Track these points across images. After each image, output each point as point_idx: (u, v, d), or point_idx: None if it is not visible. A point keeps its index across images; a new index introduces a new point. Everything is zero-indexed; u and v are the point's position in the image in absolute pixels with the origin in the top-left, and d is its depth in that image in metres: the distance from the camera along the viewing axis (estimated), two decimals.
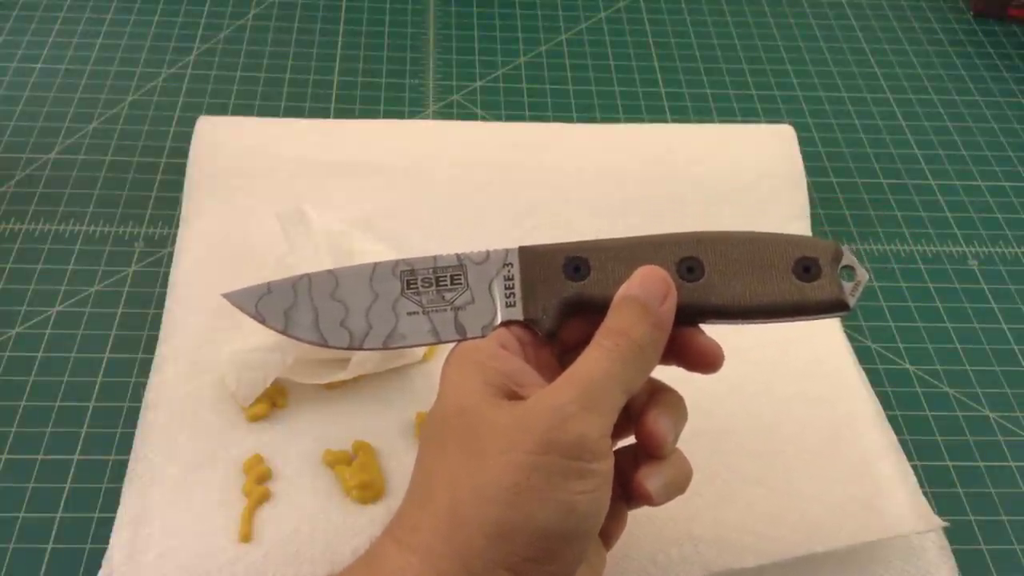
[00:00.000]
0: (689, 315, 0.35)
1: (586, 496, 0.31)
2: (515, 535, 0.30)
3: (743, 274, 0.35)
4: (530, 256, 0.37)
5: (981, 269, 0.59)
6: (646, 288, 0.34)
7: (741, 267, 0.35)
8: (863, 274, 0.35)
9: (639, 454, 0.36)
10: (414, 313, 0.37)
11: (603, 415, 0.32)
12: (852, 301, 0.35)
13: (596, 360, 0.33)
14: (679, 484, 0.36)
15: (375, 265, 0.38)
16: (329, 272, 0.38)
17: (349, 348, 0.37)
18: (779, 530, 0.42)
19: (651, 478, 0.34)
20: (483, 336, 0.36)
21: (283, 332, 0.38)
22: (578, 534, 0.31)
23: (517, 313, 0.37)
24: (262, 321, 0.38)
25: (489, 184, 0.57)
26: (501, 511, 0.30)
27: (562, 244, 0.37)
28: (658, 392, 0.36)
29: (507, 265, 0.37)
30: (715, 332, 0.37)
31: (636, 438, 0.35)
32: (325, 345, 0.37)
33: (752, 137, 0.62)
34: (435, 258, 0.38)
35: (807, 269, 0.35)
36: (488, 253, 0.37)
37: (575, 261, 0.36)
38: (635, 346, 0.34)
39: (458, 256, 0.38)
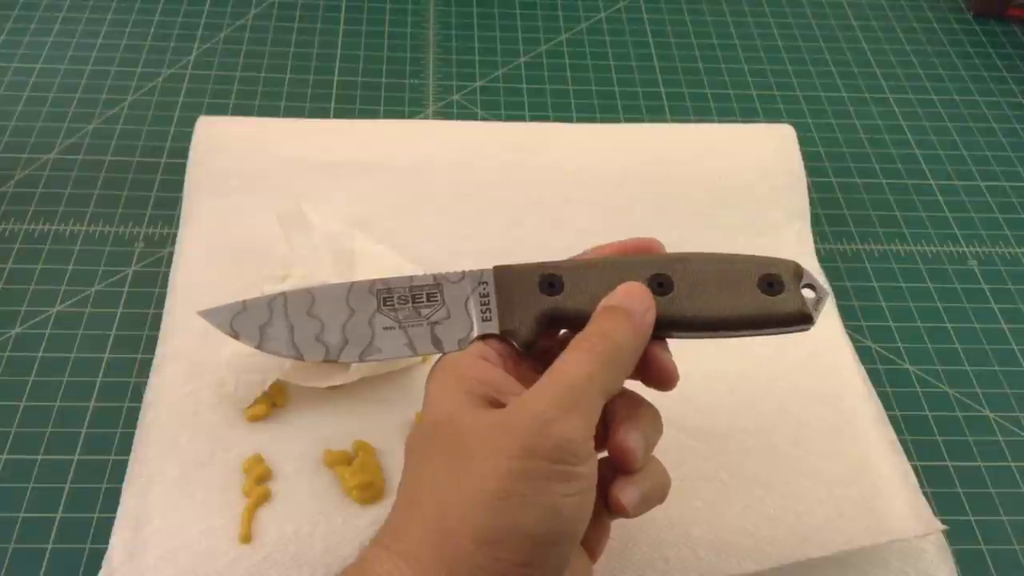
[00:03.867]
0: (659, 327, 0.36)
1: (571, 499, 0.31)
2: (502, 540, 0.30)
3: (711, 288, 0.37)
4: (505, 274, 0.38)
5: (981, 269, 0.59)
6: (629, 300, 0.35)
7: (709, 282, 0.37)
8: (824, 291, 0.37)
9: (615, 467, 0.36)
10: (390, 328, 0.38)
11: (584, 417, 0.32)
12: (815, 315, 0.37)
13: (575, 362, 0.33)
14: (656, 496, 0.36)
15: (351, 284, 0.38)
16: (305, 290, 0.38)
17: (325, 360, 0.38)
18: (778, 533, 0.42)
19: (626, 491, 0.34)
20: (460, 349, 0.37)
21: (258, 347, 0.38)
22: (564, 537, 0.32)
23: (493, 327, 0.37)
24: (236, 337, 0.38)
25: (489, 184, 0.57)
26: (488, 517, 0.31)
27: (536, 263, 0.38)
28: (632, 406, 0.36)
29: (482, 283, 0.38)
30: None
31: (608, 452, 0.35)
32: (300, 359, 0.38)
33: (752, 137, 0.62)
34: (411, 277, 0.38)
35: (771, 285, 0.37)
36: (463, 273, 0.38)
37: (549, 278, 0.37)
38: (614, 347, 0.34)
39: (434, 276, 0.38)
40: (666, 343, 0.37)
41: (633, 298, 0.35)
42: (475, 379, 0.34)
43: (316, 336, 0.38)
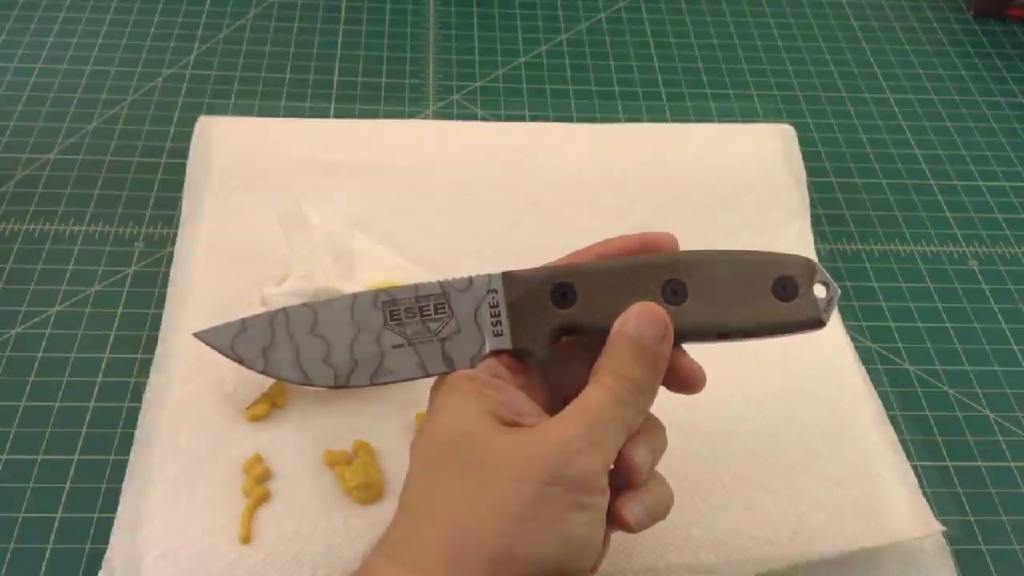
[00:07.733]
0: (674, 337, 0.36)
1: (585, 528, 0.32)
2: (517, 562, 0.31)
3: (725, 296, 0.36)
4: (514, 282, 0.37)
5: (981, 269, 0.59)
6: (643, 328, 0.35)
7: (723, 289, 0.36)
8: (835, 290, 0.37)
9: (619, 481, 0.36)
10: (399, 346, 0.37)
11: (606, 453, 0.33)
12: (827, 318, 0.36)
13: (600, 399, 0.34)
14: (658, 511, 0.36)
15: (355, 296, 0.37)
16: (306, 306, 0.37)
17: (335, 387, 0.37)
18: (779, 535, 0.42)
19: (629, 505, 0.35)
20: (472, 367, 0.36)
21: (264, 372, 0.37)
22: (575, 565, 0.32)
23: (506, 342, 0.36)
24: (240, 362, 0.37)
25: (489, 184, 0.57)
26: (505, 539, 0.31)
27: (545, 268, 0.37)
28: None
29: (491, 291, 0.37)
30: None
31: (614, 466, 0.35)
32: (310, 384, 0.37)
33: (752, 137, 0.62)
34: (416, 287, 0.37)
35: (785, 288, 0.36)
36: (471, 280, 0.37)
37: (561, 287, 0.36)
38: (634, 388, 0.34)
39: (440, 284, 0.37)
40: (682, 347, 0.37)
41: (647, 326, 0.35)
42: (492, 398, 0.34)
43: (323, 358, 0.37)
